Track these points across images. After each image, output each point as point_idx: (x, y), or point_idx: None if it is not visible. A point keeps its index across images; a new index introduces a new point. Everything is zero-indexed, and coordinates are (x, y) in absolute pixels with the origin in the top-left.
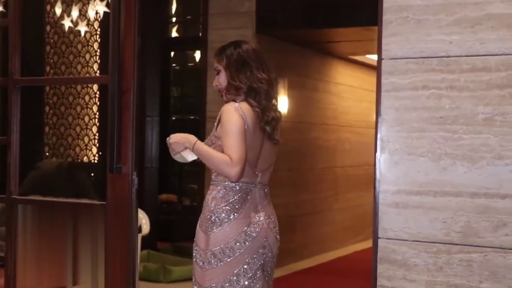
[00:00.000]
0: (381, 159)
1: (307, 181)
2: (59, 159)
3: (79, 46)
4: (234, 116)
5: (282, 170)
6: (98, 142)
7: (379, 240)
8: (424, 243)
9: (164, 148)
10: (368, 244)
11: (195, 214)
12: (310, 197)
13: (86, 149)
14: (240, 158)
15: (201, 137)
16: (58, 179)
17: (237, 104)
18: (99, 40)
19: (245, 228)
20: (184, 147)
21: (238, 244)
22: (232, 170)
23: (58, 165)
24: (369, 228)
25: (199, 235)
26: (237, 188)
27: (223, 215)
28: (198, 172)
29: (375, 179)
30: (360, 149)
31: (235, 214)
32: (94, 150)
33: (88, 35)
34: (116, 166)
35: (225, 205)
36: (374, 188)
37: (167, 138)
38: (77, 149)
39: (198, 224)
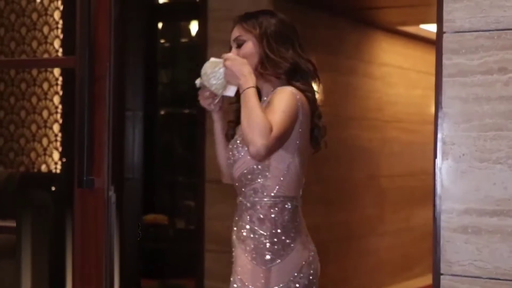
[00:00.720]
0: (443, 168)
1: (342, 195)
2: (8, 169)
3: (34, 16)
4: (290, 99)
5: (310, 181)
6: (61, 145)
7: (441, 277)
8: (504, 281)
9: (150, 154)
10: (425, 281)
11: (193, 241)
12: (347, 217)
13: (45, 154)
14: (279, 135)
15: (202, 138)
16: (5, 196)
17: (294, 89)
18: (61, 8)
19: (306, 259)
20: (237, 83)
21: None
22: (264, 140)
23: (7, 178)
24: (427, 259)
25: (248, 269)
26: (289, 206)
27: (288, 241)
28: (195, 184)
29: (435, 194)
30: (413, 152)
31: (297, 240)
32: (56, 156)
33: (46, 1)
34: (87, 178)
35: (284, 228)
36: (434, 206)
37: (224, 56)
38: (33, 154)
39: (242, 255)
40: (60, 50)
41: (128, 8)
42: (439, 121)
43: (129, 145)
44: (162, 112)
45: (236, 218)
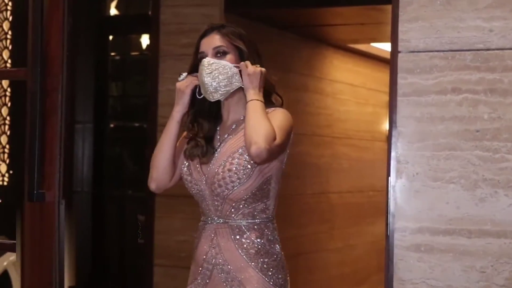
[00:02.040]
0: (397, 186)
1: (292, 211)
2: None
3: None
4: (290, 120)
5: None
6: (8, 157)
7: None
8: None
9: (99, 167)
10: None
11: (142, 257)
12: (296, 233)
13: None
14: (281, 145)
15: (152, 151)
16: None
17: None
18: (10, 19)
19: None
20: (251, 89)
21: None
22: (267, 144)
23: None
24: (376, 275)
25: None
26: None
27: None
28: (145, 198)
29: (388, 212)
30: (362, 168)
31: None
32: (3, 168)
33: None
34: (37, 192)
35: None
36: (387, 224)
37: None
38: None
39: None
40: (9, 61)
41: (78, 20)
42: (393, 139)
43: (79, 158)
44: (112, 125)
45: (214, 241)
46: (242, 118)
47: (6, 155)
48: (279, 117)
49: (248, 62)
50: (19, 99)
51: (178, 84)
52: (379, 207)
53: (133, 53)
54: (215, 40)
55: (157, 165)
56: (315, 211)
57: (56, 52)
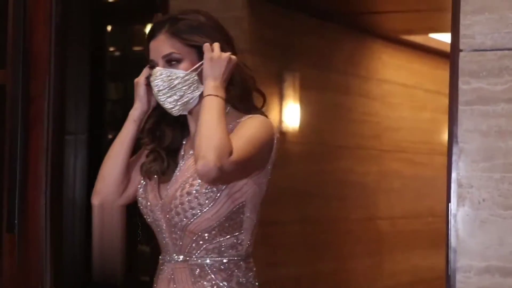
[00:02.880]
0: (459, 215)
1: (331, 240)
2: None
3: None
4: (264, 128)
5: (290, 222)
6: None
7: None
8: None
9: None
10: None
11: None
12: (336, 267)
13: None
14: (239, 161)
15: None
16: None
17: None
18: None
19: None
20: (212, 77)
21: None
22: (218, 161)
23: None
24: None
25: None
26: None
27: None
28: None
29: (448, 247)
30: (419, 188)
31: None
32: None
33: None
34: (19, 222)
35: None
36: (447, 262)
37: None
38: None
39: None
40: None
41: (69, 7)
42: (454, 158)
43: (70, 177)
44: (111, 136)
45: (170, 286)
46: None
47: None
48: (250, 124)
49: (216, 45)
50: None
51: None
52: (440, 236)
53: (136, 48)
54: (163, 45)
55: (104, 175)
56: (360, 241)
57: (41, 49)
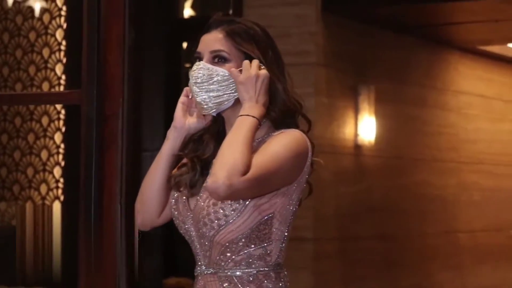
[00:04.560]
0: None
1: (409, 256)
2: None
3: (32, 36)
4: (296, 143)
5: (367, 238)
6: (63, 193)
7: None
8: None
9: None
10: None
11: None
12: (413, 283)
13: (43, 204)
14: (255, 178)
15: None
16: None
17: (303, 133)
18: (64, 26)
19: None
20: (248, 99)
21: None
22: (227, 179)
23: None
24: None
25: None
26: (286, 274)
27: None
28: None
29: None
30: (500, 201)
31: None
32: (57, 206)
33: (47, 17)
34: (95, 239)
35: None
36: None
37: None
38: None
39: None
40: (63, 77)
41: (144, 25)
42: None
43: None
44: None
45: None
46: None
47: (60, 191)
48: (279, 140)
49: (245, 63)
50: (75, 123)
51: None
52: None
53: None
54: (215, 41)
55: (142, 195)
56: (438, 255)
57: (115, 70)
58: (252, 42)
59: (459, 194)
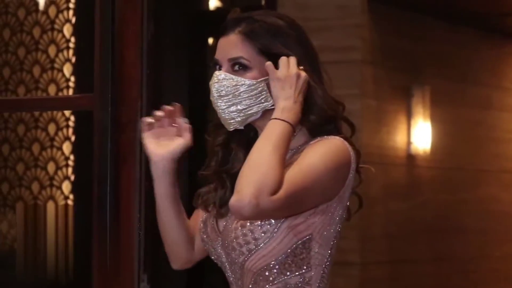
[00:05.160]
0: None
1: (472, 280)
2: None
3: (36, 32)
4: (335, 152)
5: (423, 260)
6: (73, 212)
7: None
8: None
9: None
10: None
11: None
12: None
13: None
14: (287, 196)
15: None
16: None
17: (343, 140)
18: (73, 20)
19: None
20: (283, 97)
21: None
22: (255, 198)
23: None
24: None
25: None
26: None
27: None
28: None
29: None
30: None
31: None
32: (67, 227)
33: (53, 10)
34: (110, 264)
35: None
36: None
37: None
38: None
39: None
40: (72, 79)
41: (164, 18)
42: None
43: None
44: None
45: None
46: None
47: (70, 209)
48: (316, 150)
49: (284, 59)
50: (86, 131)
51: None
52: None
53: None
54: (232, 46)
55: (163, 241)
56: (507, 282)
57: (132, 71)
58: (276, 41)
59: None
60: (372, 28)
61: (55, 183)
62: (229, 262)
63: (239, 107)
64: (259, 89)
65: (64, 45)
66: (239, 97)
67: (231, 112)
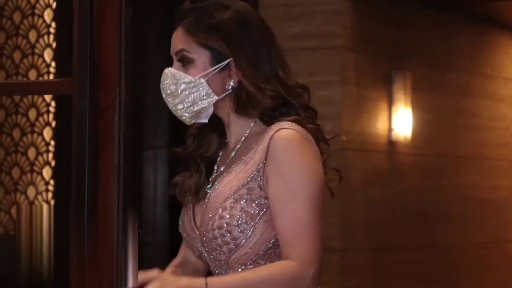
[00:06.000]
0: None
1: (452, 268)
2: None
3: (17, 17)
4: (306, 154)
5: (402, 248)
6: (53, 197)
7: None
8: None
9: (178, 208)
10: None
11: None
12: None
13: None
14: (318, 250)
15: None
16: None
17: (298, 126)
18: (54, 5)
19: None
20: None
21: None
22: (306, 280)
23: None
24: None
25: None
26: None
27: None
28: None
29: None
30: None
31: None
32: (46, 211)
33: None
34: (88, 254)
35: None
36: None
37: (151, 286)
38: (14, 211)
39: None
40: (53, 64)
41: (143, 4)
42: None
43: (150, 197)
44: None
45: None
46: (242, 140)
47: (50, 194)
48: (284, 163)
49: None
50: (66, 116)
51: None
52: None
53: None
54: (177, 39)
55: None
56: (487, 268)
57: (111, 55)
58: (214, 35)
59: (511, 198)
60: (354, 15)
61: (35, 168)
62: (211, 259)
63: (184, 104)
64: (199, 85)
65: (45, 30)
66: (181, 95)
67: (179, 110)
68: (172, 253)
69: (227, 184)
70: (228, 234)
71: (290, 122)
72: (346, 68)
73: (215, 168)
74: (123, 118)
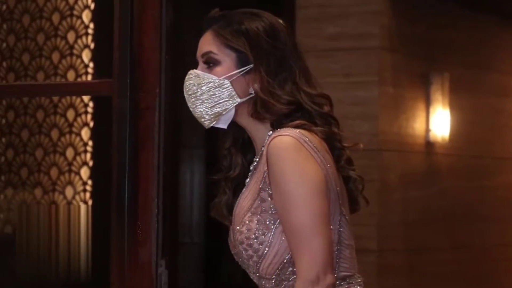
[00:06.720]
0: None
1: (490, 269)
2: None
3: (56, 18)
4: (300, 159)
5: (440, 249)
6: (91, 197)
7: None
8: None
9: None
10: None
11: None
12: None
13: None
14: (329, 256)
15: None
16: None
17: (296, 131)
18: (92, 6)
19: None
20: None
21: None
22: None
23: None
24: None
25: None
26: None
27: None
28: None
29: None
30: None
31: None
32: (84, 211)
33: None
34: (128, 249)
35: None
36: None
37: None
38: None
39: None
40: (91, 65)
41: (184, 3)
42: None
43: (186, 197)
44: None
45: None
46: (262, 150)
47: (88, 194)
48: (279, 174)
49: None
50: (105, 117)
51: None
52: None
53: None
54: (205, 42)
55: None
56: None
57: (151, 56)
58: (242, 37)
59: None
60: (391, 15)
61: (73, 168)
62: (249, 273)
63: (204, 105)
64: (222, 86)
65: (83, 31)
66: (202, 96)
67: (199, 111)
68: (208, 253)
69: (246, 198)
70: (249, 248)
71: (290, 128)
72: (383, 68)
73: (246, 182)
74: (163, 118)
